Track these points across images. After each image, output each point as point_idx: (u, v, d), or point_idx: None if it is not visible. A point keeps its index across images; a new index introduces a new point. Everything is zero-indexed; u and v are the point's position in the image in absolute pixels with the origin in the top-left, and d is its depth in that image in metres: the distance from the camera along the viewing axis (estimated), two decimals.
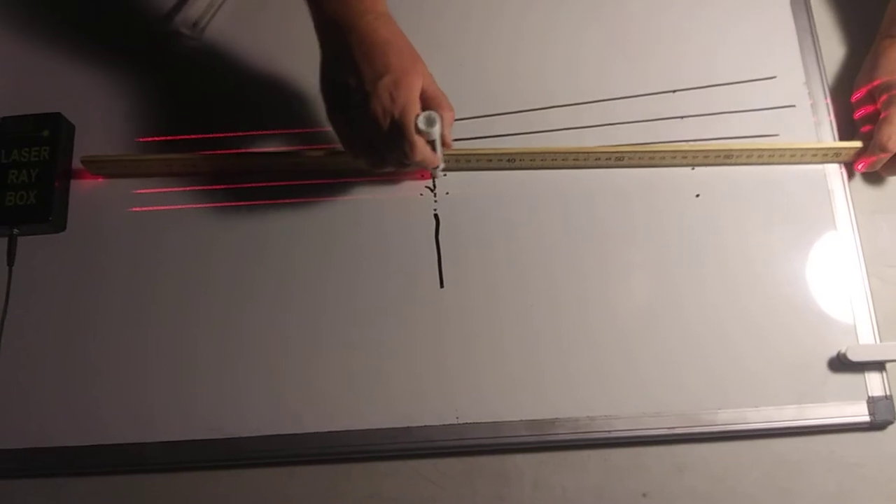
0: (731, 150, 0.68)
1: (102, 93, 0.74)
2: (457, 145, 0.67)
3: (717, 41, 0.74)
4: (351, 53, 0.58)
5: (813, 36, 0.74)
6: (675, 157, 0.69)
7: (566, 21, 0.75)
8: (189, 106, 0.73)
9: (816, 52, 0.73)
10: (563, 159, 0.68)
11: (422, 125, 0.58)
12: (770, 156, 0.69)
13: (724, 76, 0.72)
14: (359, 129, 0.60)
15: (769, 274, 0.66)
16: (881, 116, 0.66)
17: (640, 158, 0.69)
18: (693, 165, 0.70)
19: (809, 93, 0.72)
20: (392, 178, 0.70)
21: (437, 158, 0.62)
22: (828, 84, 0.72)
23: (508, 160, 0.69)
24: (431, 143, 0.60)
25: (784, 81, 0.72)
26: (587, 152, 0.68)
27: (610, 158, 0.69)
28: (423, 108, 0.59)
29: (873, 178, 0.70)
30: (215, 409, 0.63)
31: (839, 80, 0.74)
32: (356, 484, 0.63)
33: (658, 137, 0.70)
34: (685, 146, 0.69)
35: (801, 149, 0.68)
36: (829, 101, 0.72)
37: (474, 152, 0.68)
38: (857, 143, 0.68)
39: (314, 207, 0.69)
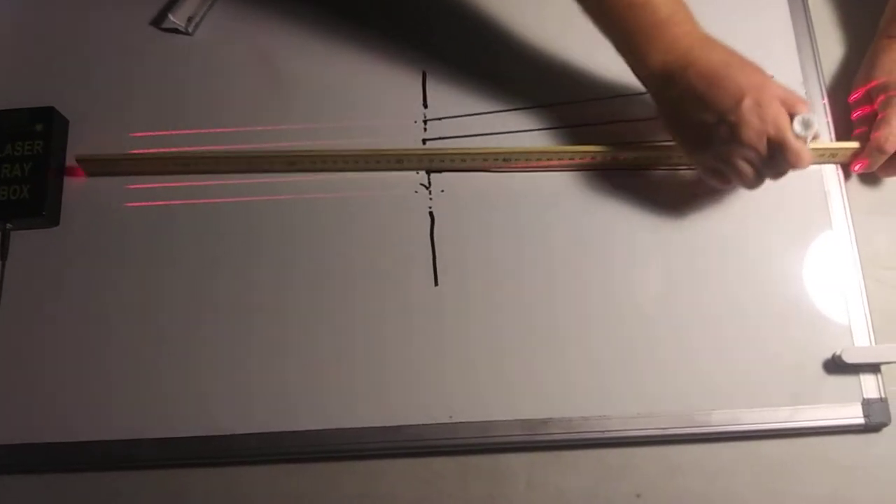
0: None
1: (96, 87, 0.73)
2: (446, 144, 0.67)
3: None
4: (696, 91, 0.57)
5: (811, 35, 0.73)
6: (671, 158, 0.68)
7: (558, 20, 0.74)
8: (183, 101, 0.72)
9: (814, 52, 0.73)
10: (558, 158, 0.68)
11: (802, 131, 0.57)
12: None
13: None
14: (730, 159, 0.59)
15: (765, 275, 0.66)
16: (879, 117, 0.66)
17: (636, 159, 0.69)
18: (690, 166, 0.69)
19: (807, 93, 0.71)
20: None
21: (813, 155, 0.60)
22: (825, 84, 0.72)
23: (504, 159, 0.68)
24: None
25: (781, 81, 0.71)
26: (584, 152, 0.68)
27: (606, 158, 0.68)
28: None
29: (870, 179, 0.70)
30: (208, 406, 0.63)
31: (837, 81, 0.73)
32: (348, 482, 0.63)
33: (654, 138, 0.70)
34: None
35: None
36: (826, 101, 0.71)
37: (469, 152, 0.68)
38: (854, 144, 0.67)
39: (310, 204, 0.69)
